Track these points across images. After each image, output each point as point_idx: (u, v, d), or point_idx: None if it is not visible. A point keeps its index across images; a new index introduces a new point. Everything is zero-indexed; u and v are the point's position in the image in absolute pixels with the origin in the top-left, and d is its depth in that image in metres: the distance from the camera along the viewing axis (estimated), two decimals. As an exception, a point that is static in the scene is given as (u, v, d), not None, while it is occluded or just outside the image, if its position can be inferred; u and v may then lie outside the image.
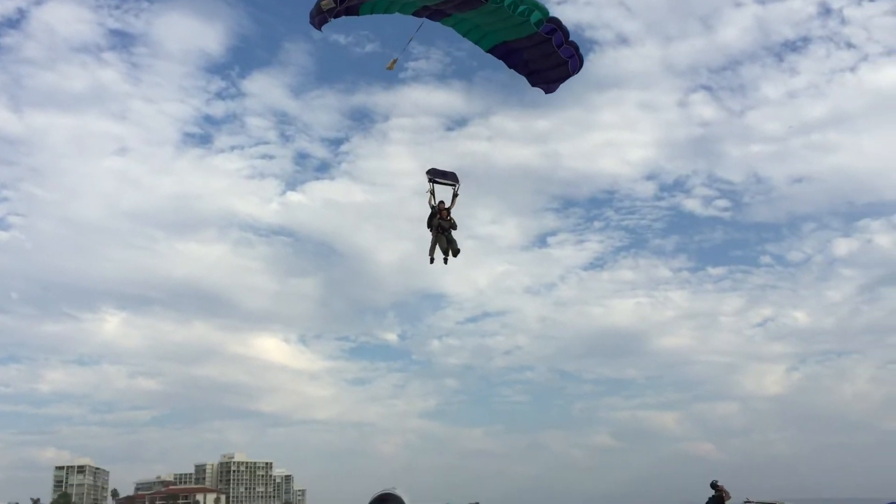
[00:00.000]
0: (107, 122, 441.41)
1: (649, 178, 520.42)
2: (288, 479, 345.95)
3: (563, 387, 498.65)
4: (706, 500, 27.39)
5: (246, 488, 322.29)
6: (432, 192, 22.19)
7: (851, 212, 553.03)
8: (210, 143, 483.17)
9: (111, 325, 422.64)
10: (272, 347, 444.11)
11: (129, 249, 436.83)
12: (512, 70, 20.05)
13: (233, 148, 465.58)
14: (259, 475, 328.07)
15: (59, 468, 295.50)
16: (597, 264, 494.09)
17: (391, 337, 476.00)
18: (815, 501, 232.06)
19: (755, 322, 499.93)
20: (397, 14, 18.79)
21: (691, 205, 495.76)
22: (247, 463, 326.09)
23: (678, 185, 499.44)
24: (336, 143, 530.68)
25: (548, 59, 19.24)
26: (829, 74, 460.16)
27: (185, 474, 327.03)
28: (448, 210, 22.24)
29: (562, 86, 21.18)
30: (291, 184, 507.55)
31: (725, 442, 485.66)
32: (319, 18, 19.03)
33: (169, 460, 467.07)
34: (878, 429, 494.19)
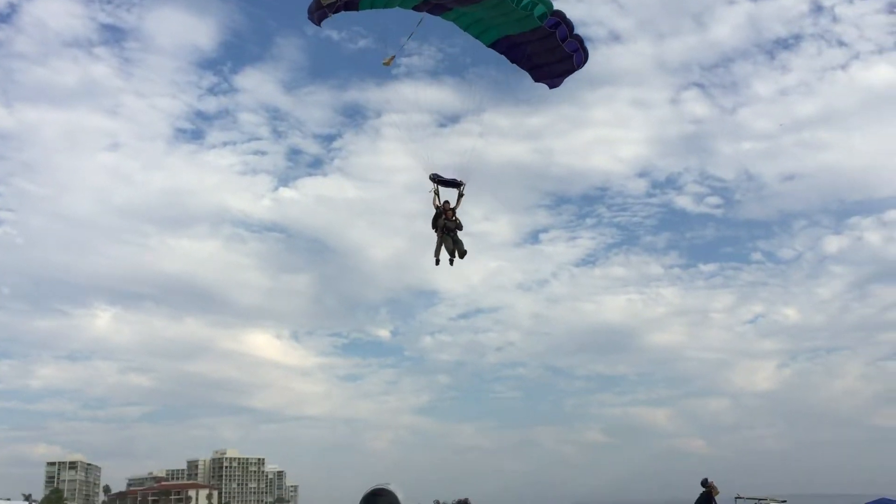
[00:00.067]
0: (98, 118, 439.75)
1: (641, 175, 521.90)
2: (280, 475, 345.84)
3: (554, 383, 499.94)
4: (697, 496, 27.62)
5: (238, 484, 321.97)
6: (437, 193, 21.67)
7: (842, 209, 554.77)
8: (202, 138, 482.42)
9: (103, 321, 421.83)
10: (264, 344, 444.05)
11: (121, 245, 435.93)
12: (513, 65, 19.53)
13: (225, 144, 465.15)
14: (251, 471, 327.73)
15: (51, 464, 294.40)
16: (589, 261, 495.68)
17: (383, 333, 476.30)
18: (805, 497, 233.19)
19: (746, 319, 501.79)
20: (397, 9, 18.34)
21: (683, 202, 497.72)
22: (239, 459, 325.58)
23: (670, 183, 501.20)
24: (328, 139, 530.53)
25: (552, 53, 18.68)
26: (820, 72, 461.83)
27: (178, 470, 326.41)
28: (453, 210, 21.70)
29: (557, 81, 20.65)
30: (284, 180, 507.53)
31: (716, 438, 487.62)
32: (319, 14, 18.77)
33: (161, 456, 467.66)
34: (867, 425, 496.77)
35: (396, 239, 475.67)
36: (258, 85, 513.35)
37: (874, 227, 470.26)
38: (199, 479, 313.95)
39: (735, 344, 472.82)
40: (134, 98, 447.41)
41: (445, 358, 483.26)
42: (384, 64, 20.15)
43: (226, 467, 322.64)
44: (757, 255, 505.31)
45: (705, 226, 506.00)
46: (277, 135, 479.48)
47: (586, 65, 19.24)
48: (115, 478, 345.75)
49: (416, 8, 18.37)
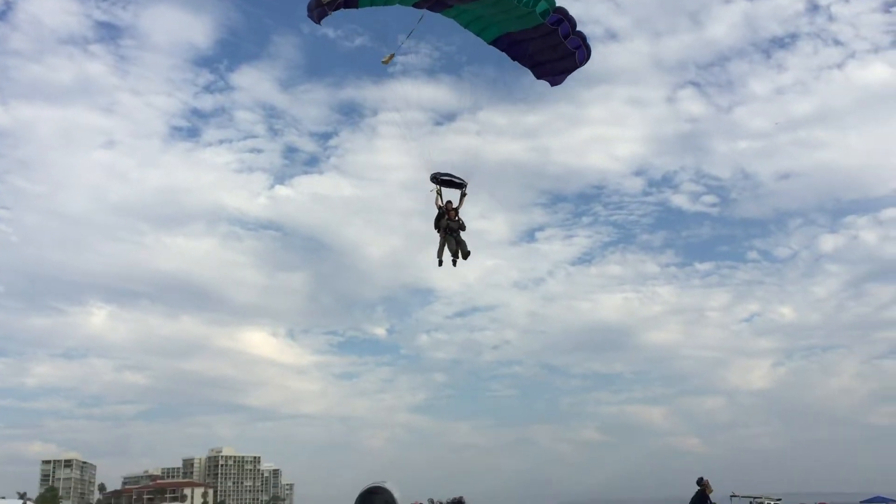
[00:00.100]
0: (94, 115, 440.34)
1: (637, 173, 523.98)
2: (276, 473, 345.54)
3: (550, 381, 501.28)
4: (692, 495, 27.68)
5: (234, 482, 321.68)
6: (439, 193, 21.29)
7: (837, 208, 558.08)
8: (198, 136, 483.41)
9: (98, 319, 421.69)
10: (260, 342, 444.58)
11: (117, 243, 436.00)
12: (513, 62, 19.20)
13: (221, 141, 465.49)
14: (247, 469, 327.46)
15: (46, 462, 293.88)
16: (585, 259, 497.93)
17: (379, 331, 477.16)
18: (800, 496, 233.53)
19: (742, 317, 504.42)
20: (397, 6, 18.11)
21: (679, 200, 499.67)
22: (234, 457, 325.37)
23: (666, 181, 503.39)
24: (325, 137, 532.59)
25: (554, 50, 18.34)
26: (816, 71, 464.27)
27: (173, 468, 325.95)
28: (456, 210, 21.29)
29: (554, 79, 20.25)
30: (280, 178, 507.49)
31: (711, 436, 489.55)
32: (319, 12, 18.54)
33: (156, 454, 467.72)
34: (862, 424, 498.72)
35: (393, 237, 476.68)
36: (254, 83, 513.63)
37: (870, 226, 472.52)
38: (195, 478, 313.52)
39: (731, 342, 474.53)
40: (130, 96, 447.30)
41: (441, 356, 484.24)
42: (383, 63, 19.91)
43: (221, 465, 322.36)
44: (753, 254, 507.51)
45: (701, 224, 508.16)
46: (273, 133, 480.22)
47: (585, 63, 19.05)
48: (111, 476, 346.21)
49: (417, 5, 18.13)
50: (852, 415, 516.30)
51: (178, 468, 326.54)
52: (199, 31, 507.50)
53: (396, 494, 5.54)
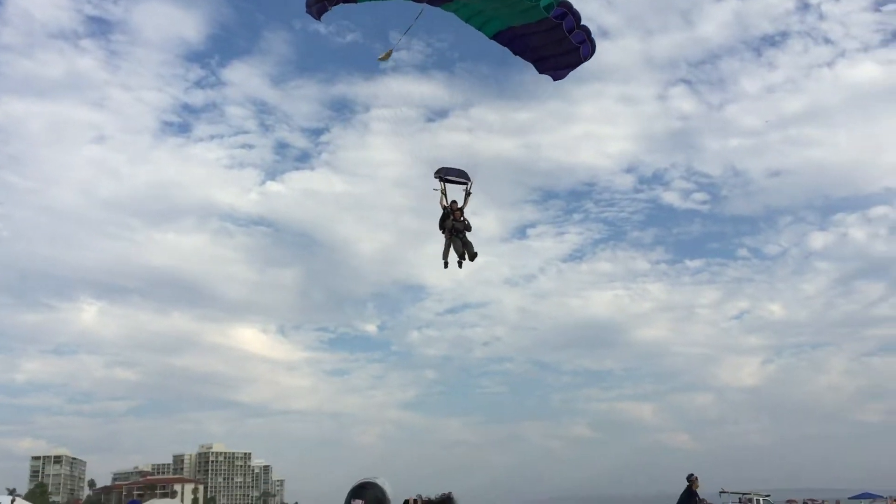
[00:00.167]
0: (84, 110, 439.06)
1: (628, 170, 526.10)
2: (266, 469, 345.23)
3: (541, 378, 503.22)
4: (681, 492, 27.86)
5: (224, 479, 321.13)
6: (444, 192, 20.62)
7: (827, 205, 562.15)
8: (189, 131, 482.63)
9: (88, 315, 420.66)
10: (251, 338, 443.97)
11: (107, 238, 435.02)
12: (504, 58, 18.60)
13: (212, 137, 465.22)
14: (237, 466, 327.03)
15: (36, 458, 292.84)
16: (576, 256, 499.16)
17: (371, 328, 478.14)
18: (788, 492, 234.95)
19: (731, 314, 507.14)
20: (397, 1, 17.60)
21: (670, 198, 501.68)
22: (225, 453, 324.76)
23: (657, 178, 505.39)
24: (316, 133, 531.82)
25: (558, 44, 17.87)
26: (806, 69, 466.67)
27: (163, 465, 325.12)
28: (461, 210, 20.62)
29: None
30: (271, 174, 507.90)
31: (701, 433, 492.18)
32: (318, 7, 18.25)
33: (147, 451, 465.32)
34: (850, 420, 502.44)
35: (384, 233, 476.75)
36: (245, 78, 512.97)
37: (859, 224, 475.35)
38: (185, 474, 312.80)
39: (720, 339, 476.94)
40: (120, 91, 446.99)
41: (432, 353, 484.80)
42: (381, 59, 19.41)
43: (212, 462, 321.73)
44: (743, 251, 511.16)
45: (692, 221, 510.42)
46: (265, 128, 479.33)
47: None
48: (101, 472, 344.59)
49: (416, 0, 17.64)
50: (841, 412, 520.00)
51: (169, 464, 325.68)
52: (190, 26, 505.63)
53: (389, 490, 5.58)
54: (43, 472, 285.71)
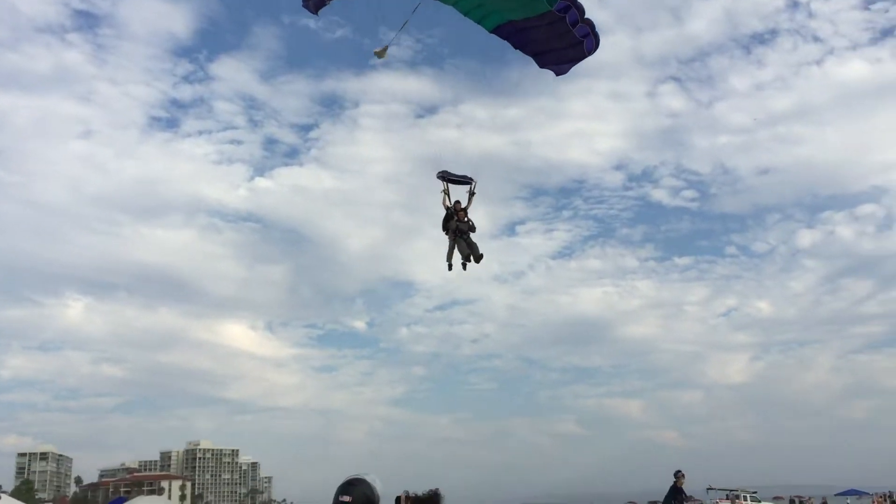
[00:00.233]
0: (71, 105, 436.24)
1: (618, 167, 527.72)
2: (254, 466, 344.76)
3: (529, 375, 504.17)
4: (668, 488, 27.93)
5: (212, 475, 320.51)
6: (447, 192, 20.19)
7: (815, 203, 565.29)
8: (177, 127, 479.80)
9: (75, 311, 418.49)
10: (239, 334, 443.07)
11: (94, 234, 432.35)
12: (510, 52, 17.98)
13: (200, 132, 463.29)
14: (225, 462, 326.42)
15: (22, 455, 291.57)
16: (565, 253, 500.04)
17: (359, 324, 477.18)
18: (775, 488, 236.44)
19: (720, 312, 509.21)
20: None
21: (659, 195, 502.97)
22: (213, 450, 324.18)
23: (646, 176, 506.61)
24: (305, 128, 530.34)
25: (561, 38, 17.42)
26: (795, 67, 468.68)
27: (151, 461, 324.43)
28: (465, 210, 20.19)
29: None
30: (260, 169, 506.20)
31: (689, 429, 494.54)
32: (315, 2, 17.87)
33: (134, 447, 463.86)
34: (837, 417, 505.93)
35: (373, 229, 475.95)
36: (234, 73, 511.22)
37: (846, 222, 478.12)
38: (173, 471, 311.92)
39: (708, 337, 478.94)
40: (107, 85, 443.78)
41: (421, 349, 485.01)
42: (377, 55, 18.88)
43: (199, 458, 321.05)
44: (731, 249, 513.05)
45: (681, 219, 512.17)
46: (253, 124, 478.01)
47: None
48: (87, 469, 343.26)
49: (415, -8, 17.48)
50: (827, 409, 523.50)
51: (156, 461, 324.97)
52: (178, 20, 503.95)
53: (379, 487, 5.55)
54: (29, 469, 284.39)
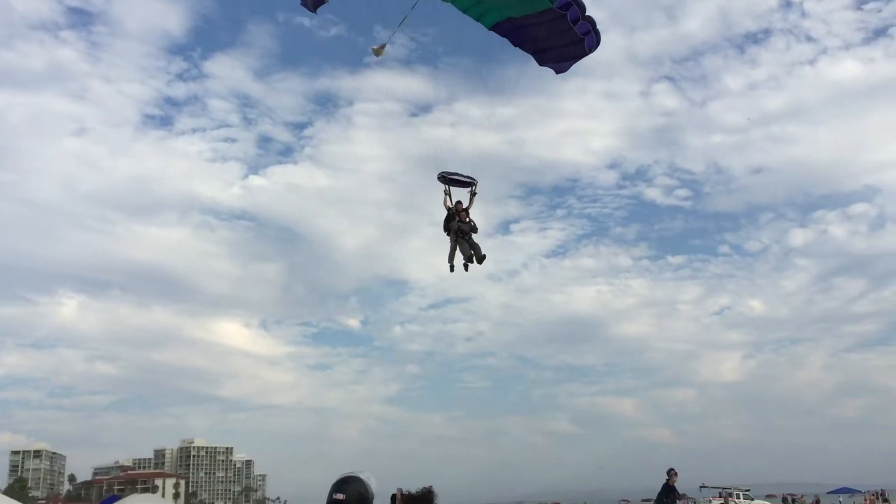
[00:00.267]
0: (65, 102, 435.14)
1: (612, 166, 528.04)
2: (248, 464, 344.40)
3: (523, 373, 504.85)
4: (661, 486, 28.06)
5: (206, 473, 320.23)
6: (448, 193, 19.90)
7: (808, 203, 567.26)
8: (171, 124, 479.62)
9: (68, 309, 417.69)
10: (233, 332, 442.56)
11: (87, 232, 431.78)
12: (508, 50, 17.78)
13: (194, 130, 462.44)
14: (219, 460, 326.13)
15: (15, 453, 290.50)
16: (559, 252, 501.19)
17: (353, 323, 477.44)
18: (768, 486, 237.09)
19: (713, 310, 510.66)
20: None
21: (652, 194, 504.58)
22: (207, 448, 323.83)
23: (640, 175, 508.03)
24: (299, 126, 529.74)
25: (561, 36, 17.09)
26: (788, 67, 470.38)
27: (145, 459, 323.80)
28: (466, 211, 19.97)
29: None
30: (254, 167, 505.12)
31: (682, 428, 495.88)
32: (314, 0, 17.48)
33: (128, 445, 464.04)
34: (829, 415, 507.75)
35: (367, 228, 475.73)
36: (228, 71, 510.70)
37: (839, 221, 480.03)
38: (167, 469, 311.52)
39: (702, 335, 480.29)
40: (101, 83, 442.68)
41: (415, 348, 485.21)
42: (374, 52, 18.59)
43: (193, 456, 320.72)
44: (724, 248, 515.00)
45: (674, 218, 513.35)
46: (248, 122, 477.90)
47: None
48: (81, 467, 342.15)
49: (413, -12, 17.25)
50: (820, 407, 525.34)
51: (150, 459, 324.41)
52: (172, 18, 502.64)
53: (374, 485, 5.54)
54: (22, 467, 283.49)
